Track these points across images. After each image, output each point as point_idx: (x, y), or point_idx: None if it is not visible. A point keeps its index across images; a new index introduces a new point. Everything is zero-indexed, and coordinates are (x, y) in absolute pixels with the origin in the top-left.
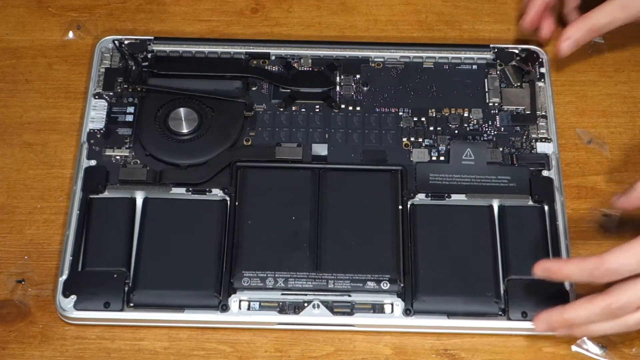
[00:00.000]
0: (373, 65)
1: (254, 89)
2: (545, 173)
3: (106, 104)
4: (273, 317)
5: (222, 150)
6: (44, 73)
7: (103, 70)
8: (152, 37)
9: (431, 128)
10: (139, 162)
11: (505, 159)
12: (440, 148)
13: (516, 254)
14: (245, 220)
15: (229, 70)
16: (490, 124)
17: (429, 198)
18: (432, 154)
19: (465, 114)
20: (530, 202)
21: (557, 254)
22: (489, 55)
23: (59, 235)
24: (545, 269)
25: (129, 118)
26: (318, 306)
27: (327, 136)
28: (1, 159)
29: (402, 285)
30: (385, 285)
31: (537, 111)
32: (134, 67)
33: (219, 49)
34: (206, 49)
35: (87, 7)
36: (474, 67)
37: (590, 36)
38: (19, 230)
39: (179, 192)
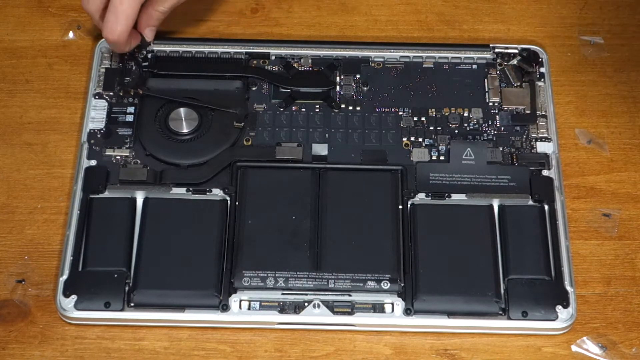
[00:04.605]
0: (373, 65)
1: (254, 89)
2: (545, 173)
3: (106, 104)
4: (273, 317)
5: (222, 150)
6: (44, 73)
7: (103, 70)
8: None
9: (431, 128)
10: (139, 162)
11: (505, 158)
12: (440, 148)
13: (516, 254)
14: (246, 220)
15: (229, 70)
16: (490, 123)
17: (429, 198)
18: (432, 154)
19: (465, 114)
20: (531, 202)
21: (557, 253)
22: (489, 55)
23: (59, 235)
24: None
25: (129, 118)
26: (318, 306)
27: (327, 136)
28: (1, 159)
29: (402, 284)
30: (386, 285)
31: (537, 111)
32: (133, 68)
33: (219, 49)
34: (206, 49)
35: None
36: (474, 67)
37: (161, 20)
38: (19, 230)
39: (179, 192)
